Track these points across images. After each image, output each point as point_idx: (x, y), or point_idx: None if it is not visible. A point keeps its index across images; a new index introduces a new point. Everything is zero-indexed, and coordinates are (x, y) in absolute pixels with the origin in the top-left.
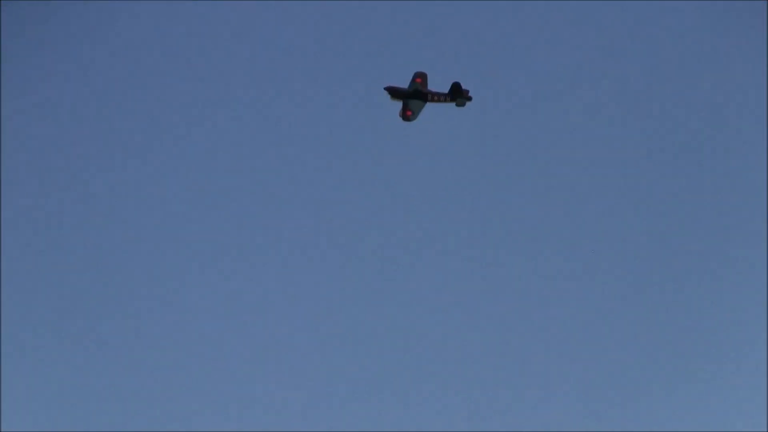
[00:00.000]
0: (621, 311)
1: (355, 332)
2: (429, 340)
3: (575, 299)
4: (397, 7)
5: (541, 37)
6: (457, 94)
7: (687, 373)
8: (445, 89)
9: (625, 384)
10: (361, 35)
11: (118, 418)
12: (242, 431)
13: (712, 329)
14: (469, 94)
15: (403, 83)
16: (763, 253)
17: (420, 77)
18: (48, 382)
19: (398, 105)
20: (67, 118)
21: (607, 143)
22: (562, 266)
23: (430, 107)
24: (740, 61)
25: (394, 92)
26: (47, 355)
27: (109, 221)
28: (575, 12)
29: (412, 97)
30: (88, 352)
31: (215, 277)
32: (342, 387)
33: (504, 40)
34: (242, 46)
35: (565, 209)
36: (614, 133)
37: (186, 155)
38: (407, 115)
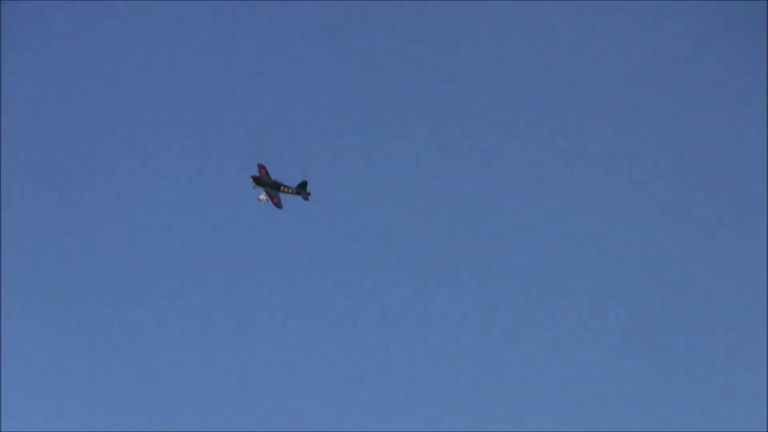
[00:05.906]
0: (621, 311)
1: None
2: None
3: (576, 301)
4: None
5: (538, 40)
6: (303, 190)
7: (687, 373)
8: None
9: (625, 384)
10: None
11: (117, 417)
12: (242, 431)
13: (713, 330)
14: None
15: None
16: (764, 252)
17: (263, 168)
18: (48, 382)
19: (259, 191)
20: (67, 118)
21: (605, 144)
22: (562, 268)
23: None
24: (740, 61)
25: (258, 181)
26: (47, 354)
27: (107, 221)
28: (575, 13)
29: (273, 187)
30: (88, 353)
31: (215, 277)
32: (340, 388)
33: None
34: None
35: (564, 210)
36: (613, 134)
37: (184, 155)
38: (274, 202)
